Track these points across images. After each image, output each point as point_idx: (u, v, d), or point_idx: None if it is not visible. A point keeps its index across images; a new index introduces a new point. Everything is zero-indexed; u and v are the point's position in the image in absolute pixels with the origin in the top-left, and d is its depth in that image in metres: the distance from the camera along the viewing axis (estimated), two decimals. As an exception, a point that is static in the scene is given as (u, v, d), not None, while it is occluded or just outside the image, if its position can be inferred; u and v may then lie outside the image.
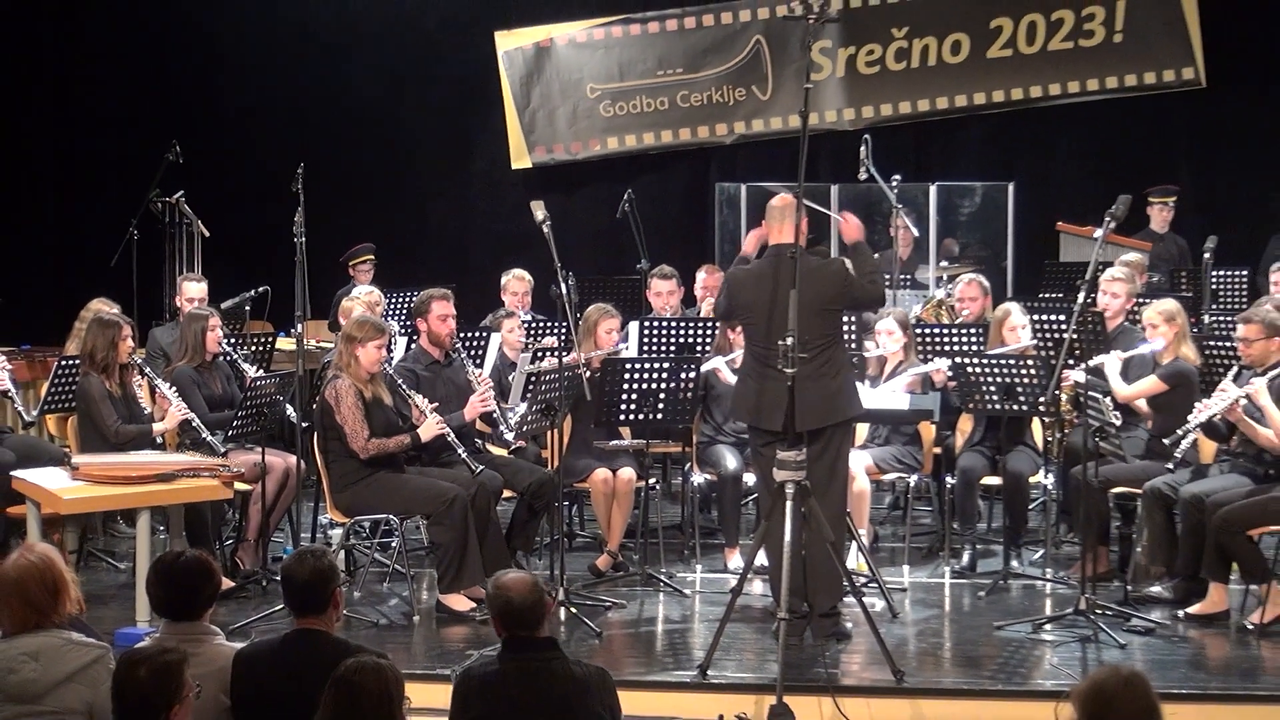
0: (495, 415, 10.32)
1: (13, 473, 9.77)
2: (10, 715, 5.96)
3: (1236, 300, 13.01)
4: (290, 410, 10.47)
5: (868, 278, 9.27)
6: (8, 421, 11.52)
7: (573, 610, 9.32)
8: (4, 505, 10.29)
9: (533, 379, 10.56)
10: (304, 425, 10.30)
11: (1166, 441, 9.66)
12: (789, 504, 8.43)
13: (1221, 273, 13.50)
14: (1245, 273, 13.54)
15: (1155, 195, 14.56)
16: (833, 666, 8.64)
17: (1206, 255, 13.40)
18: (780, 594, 8.56)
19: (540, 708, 6.07)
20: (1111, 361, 10.29)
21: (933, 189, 15.25)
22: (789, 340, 8.33)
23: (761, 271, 9.13)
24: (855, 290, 9.15)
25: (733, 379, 10.62)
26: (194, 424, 10.21)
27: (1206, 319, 12.36)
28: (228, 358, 11.00)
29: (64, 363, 10.80)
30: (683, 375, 10.12)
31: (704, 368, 10.69)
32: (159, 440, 10.33)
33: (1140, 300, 11.07)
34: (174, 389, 10.32)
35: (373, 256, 14.17)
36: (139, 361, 10.53)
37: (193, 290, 11.89)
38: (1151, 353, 10.23)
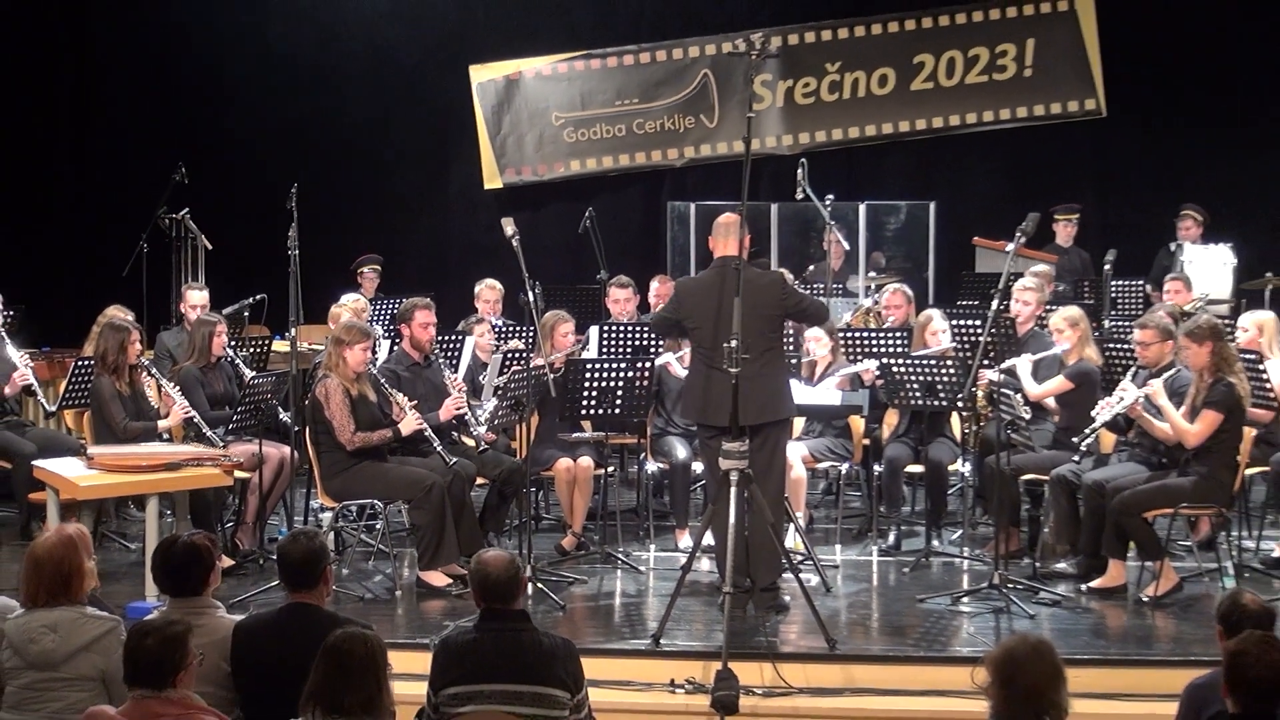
0: (467, 417, 10.31)
1: (34, 462, 9.78)
2: (30, 681, 5.99)
3: (1133, 307, 13.04)
4: (282, 413, 10.46)
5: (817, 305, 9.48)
6: (29, 416, 11.47)
7: (540, 585, 9.30)
8: (26, 492, 10.31)
9: (502, 381, 10.56)
10: (295, 429, 10.31)
11: (1075, 440, 9.73)
12: (733, 490, 8.47)
13: (1120, 283, 13.53)
14: (1141, 282, 13.57)
15: (1061, 213, 14.59)
16: (772, 635, 8.68)
17: (1107, 267, 13.44)
18: (725, 570, 8.56)
19: (511, 674, 6.07)
20: (1023, 364, 10.35)
21: (862, 207, 15.26)
22: (733, 343, 8.38)
23: (708, 281, 9.15)
24: (794, 300, 9.20)
25: (683, 374, 10.69)
26: (195, 421, 10.20)
27: (1107, 324, 12.41)
28: (229, 359, 10.99)
29: (80, 363, 10.77)
30: (637, 371, 10.15)
31: (657, 361, 10.72)
32: (165, 435, 10.32)
33: (1048, 307, 11.10)
34: (178, 388, 10.32)
35: (378, 265, 14.15)
36: (146, 363, 10.51)
37: (196, 297, 11.84)
38: (1059, 354, 10.30)
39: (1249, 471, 10.05)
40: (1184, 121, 15.52)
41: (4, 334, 11.08)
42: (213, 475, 9.45)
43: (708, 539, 9.29)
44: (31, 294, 13.02)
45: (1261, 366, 10.12)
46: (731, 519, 8.50)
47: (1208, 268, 13.72)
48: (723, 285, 8.87)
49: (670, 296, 9.64)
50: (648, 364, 10.36)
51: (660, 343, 11.18)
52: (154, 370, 10.50)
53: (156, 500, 9.19)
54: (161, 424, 10.33)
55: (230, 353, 11.04)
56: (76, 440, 10.76)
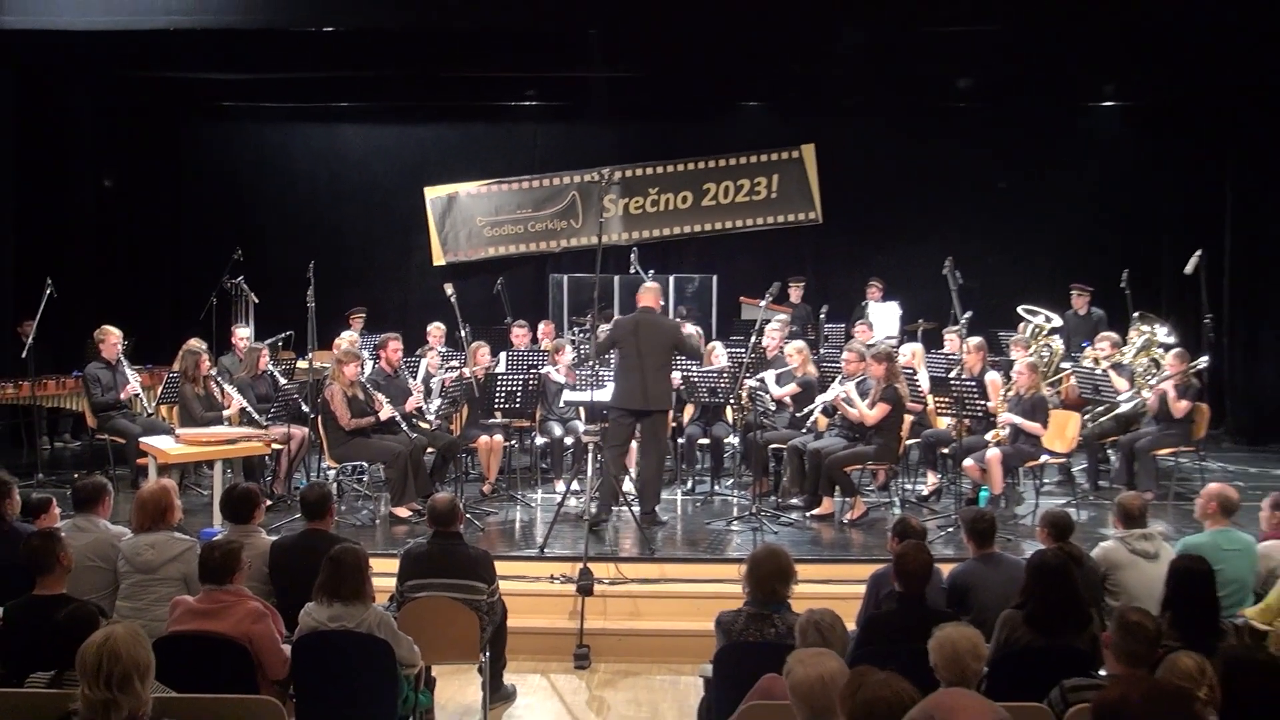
0: (422, 408, 10.27)
1: (140, 439, 9.59)
2: (137, 581, 5.93)
3: (838, 341, 13.20)
4: (303, 404, 10.33)
5: (695, 346, 9.85)
6: (137, 410, 11.22)
7: (468, 516, 9.23)
8: (135, 459, 10.09)
9: (444, 386, 10.52)
10: (311, 417, 10.18)
11: (799, 416, 9.87)
12: (591, 453, 8.52)
13: (830, 326, 13.78)
14: (843, 325, 13.79)
15: (793, 281, 14.72)
16: (615, 546, 8.70)
17: (822, 316, 13.70)
18: (589, 505, 8.59)
19: (450, 572, 6.11)
20: (769, 376, 10.49)
21: (672, 279, 15.30)
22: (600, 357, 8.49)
23: (630, 322, 9.24)
24: (681, 339, 9.38)
25: (559, 379, 10.80)
26: (247, 411, 10.06)
27: (821, 351, 12.57)
28: (269, 373, 10.84)
29: (170, 376, 10.60)
30: (529, 380, 10.13)
31: (542, 371, 10.75)
32: (226, 421, 10.14)
33: (786, 341, 11.25)
34: (237, 390, 10.21)
35: (363, 313, 14.04)
36: (214, 374, 10.38)
37: (241, 333, 11.88)
38: (792, 370, 10.45)
39: (908, 442, 10.26)
40: (871, 227, 15.76)
41: (123, 357, 10.88)
42: (258, 447, 9.39)
43: (575, 486, 9.32)
44: (138, 329, 12.68)
45: (916, 377, 10.36)
46: (589, 472, 8.55)
47: (883, 318, 13.98)
48: (636, 325, 9.08)
49: (610, 327, 9.57)
50: (536, 376, 10.37)
51: (544, 360, 11.17)
52: (219, 379, 10.37)
53: (221, 463, 9.10)
54: (226, 413, 10.19)
55: (270, 368, 10.89)
56: (168, 425, 10.55)
